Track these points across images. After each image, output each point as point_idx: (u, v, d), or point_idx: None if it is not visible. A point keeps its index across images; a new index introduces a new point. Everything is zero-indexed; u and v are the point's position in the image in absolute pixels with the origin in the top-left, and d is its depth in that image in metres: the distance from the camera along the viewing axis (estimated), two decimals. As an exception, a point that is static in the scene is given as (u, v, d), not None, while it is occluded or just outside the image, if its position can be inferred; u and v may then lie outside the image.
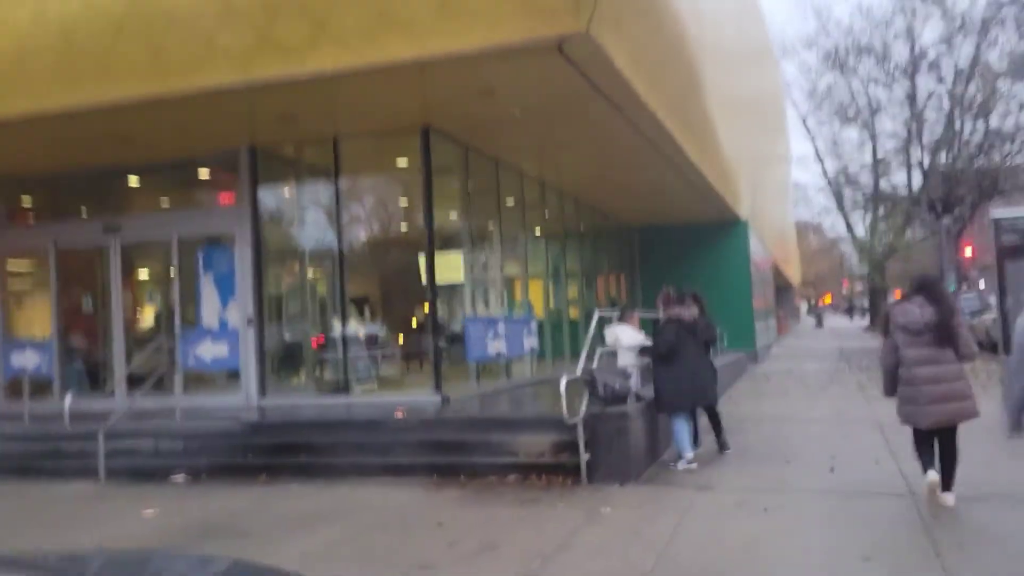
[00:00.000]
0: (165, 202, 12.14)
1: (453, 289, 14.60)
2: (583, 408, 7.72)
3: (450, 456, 8.16)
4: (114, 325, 11.74)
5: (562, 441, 7.96)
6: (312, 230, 12.02)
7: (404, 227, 14.28)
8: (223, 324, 11.27)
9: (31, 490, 8.31)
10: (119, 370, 11.58)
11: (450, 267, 13.24)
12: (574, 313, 17.47)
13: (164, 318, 12.66)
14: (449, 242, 14.17)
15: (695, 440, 8.54)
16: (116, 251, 11.68)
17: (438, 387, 10.48)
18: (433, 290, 10.72)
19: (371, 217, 14.03)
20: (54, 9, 8.59)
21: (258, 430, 9.21)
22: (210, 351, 11.18)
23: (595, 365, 8.41)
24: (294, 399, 11.12)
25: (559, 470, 7.74)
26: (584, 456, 7.57)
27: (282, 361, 12.01)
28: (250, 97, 8.90)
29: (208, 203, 12.09)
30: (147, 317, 13.33)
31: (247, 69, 8.11)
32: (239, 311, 11.14)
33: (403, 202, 13.71)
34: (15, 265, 12.66)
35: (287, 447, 8.66)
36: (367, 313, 14.07)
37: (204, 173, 12.06)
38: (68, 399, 8.66)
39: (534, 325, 13.92)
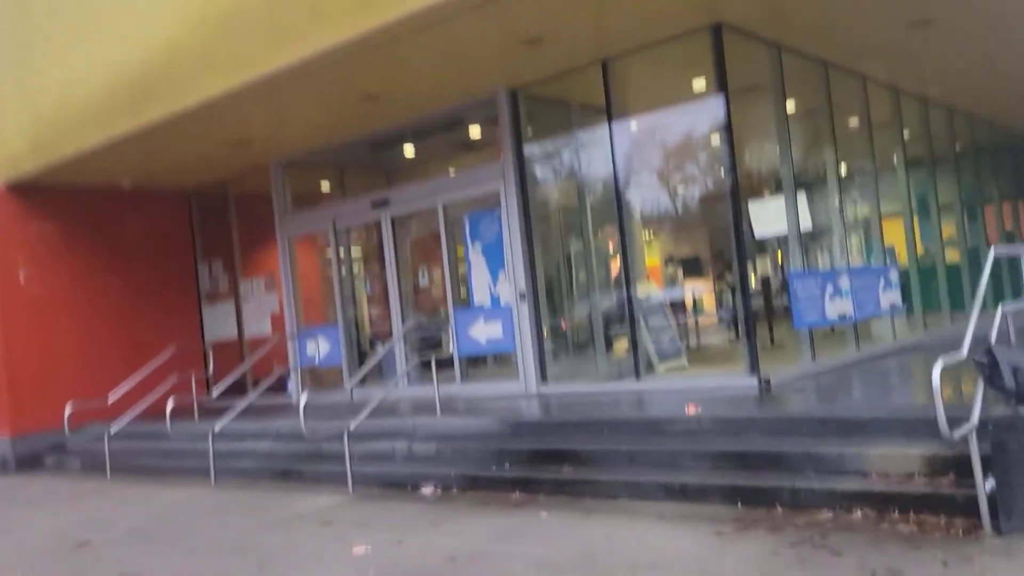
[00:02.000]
0: (427, 169, 10.84)
1: (780, 241, 11.75)
2: (977, 407, 4.71)
3: (760, 475, 5.61)
4: (392, 305, 10.77)
5: (942, 457, 5.04)
6: (589, 183, 9.96)
7: (704, 169, 11.64)
8: (494, 300, 9.69)
9: (274, 502, 7.35)
10: (400, 357, 10.58)
11: (770, 213, 10.42)
12: (953, 256, 13.40)
13: (437, 296, 11.52)
14: (766, 182, 11.36)
15: None
16: (387, 226, 10.67)
17: (754, 367, 7.85)
18: (740, 244, 8.05)
19: (658, 161, 11.59)
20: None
21: (518, 431, 7.39)
22: (483, 331, 9.68)
23: (994, 334, 5.25)
24: (578, 385, 9.20)
25: (940, 505, 4.84)
26: (984, 485, 4.59)
27: (566, 339, 10.16)
28: (497, 16, 7.12)
29: (469, 163, 10.56)
30: (423, 295, 12.32)
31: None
32: (510, 284, 9.47)
33: (699, 137, 11.06)
34: (303, 250, 12.31)
35: (548, 456, 6.72)
36: (669, 276, 11.75)
37: (460, 128, 10.58)
38: (302, 397, 7.54)
39: (894, 275, 10.54)
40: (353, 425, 7.52)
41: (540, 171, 9.87)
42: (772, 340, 11.99)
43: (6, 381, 11.08)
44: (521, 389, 9.38)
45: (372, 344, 12.36)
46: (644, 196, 10.91)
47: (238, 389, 10.50)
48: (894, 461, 5.27)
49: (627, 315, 9.12)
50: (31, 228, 11.54)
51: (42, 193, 11.57)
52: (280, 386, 11.36)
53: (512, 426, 7.45)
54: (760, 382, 7.72)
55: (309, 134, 10.69)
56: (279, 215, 11.87)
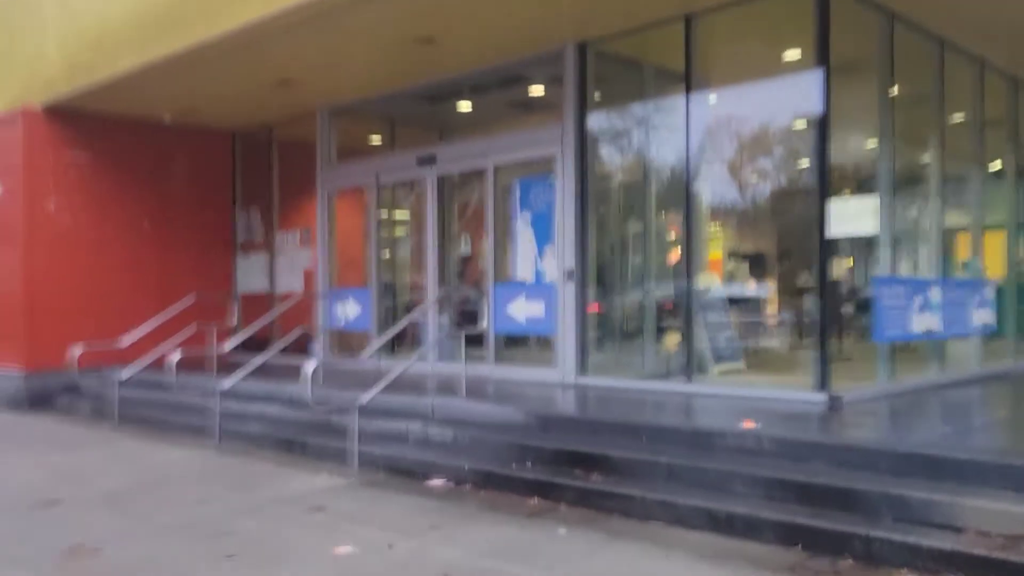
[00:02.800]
0: (480, 128, 9.93)
1: (865, 243, 10.65)
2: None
3: (826, 514, 4.64)
4: (428, 272, 9.96)
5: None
6: (656, 158, 8.98)
7: (787, 155, 10.53)
8: (539, 276, 8.80)
9: (269, 477, 6.63)
10: (432, 328, 9.80)
11: (850, 212, 9.37)
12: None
13: (478, 266, 10.69)
14: (856, 176, 10.29)
15: None
16: (432, 186, 9.85)
17: (823, 381, 6.84)
18: (824, 243, 6.98)
19: (736, 141, 10.49)
20: None
21: (546, 426, 6.51)
22: (523, 310, 8.82)
23: None
24: (621, 380, 8.29)
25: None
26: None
27: (612, 327, 9.23)
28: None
29: (526, 122, 9.64)
30: (464, 264, 11.50)
31: None
32: (557, 261, 8.57)
33: (786, 118, 9.92)
34: (343, 203, 11.56)
35: (576, 459, 5.83)
36: (734, 270, 10.72)
37: (520, 86, 9.67)
38: (311, 363, 6.74)
39: (990, 292, 9.36)
40: (365, 399, 6.76)
41: (603, 139, 8.92)
42: (840, 351, 10.92)
43: (25, 314, 10.64)
44: (558, 377, 8.50)
45: (407, 311, 11.61)
46: (716, 179, 9.85)
47: (261, 347, 9.85)
48: (998, 518, 4.26)
49: (685, 308, 8.16)
50: (65, 155, 11.03)
51: (81, 119, 11.04)
52: (305, 347, 10.71)
53: (540, 419, 6.58)
54: (829, 399, 6.70)
55: (359, 78, 9.89)
56: (322, 165, 11.14)
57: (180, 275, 11.84)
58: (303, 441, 7.48)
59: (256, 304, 11.97)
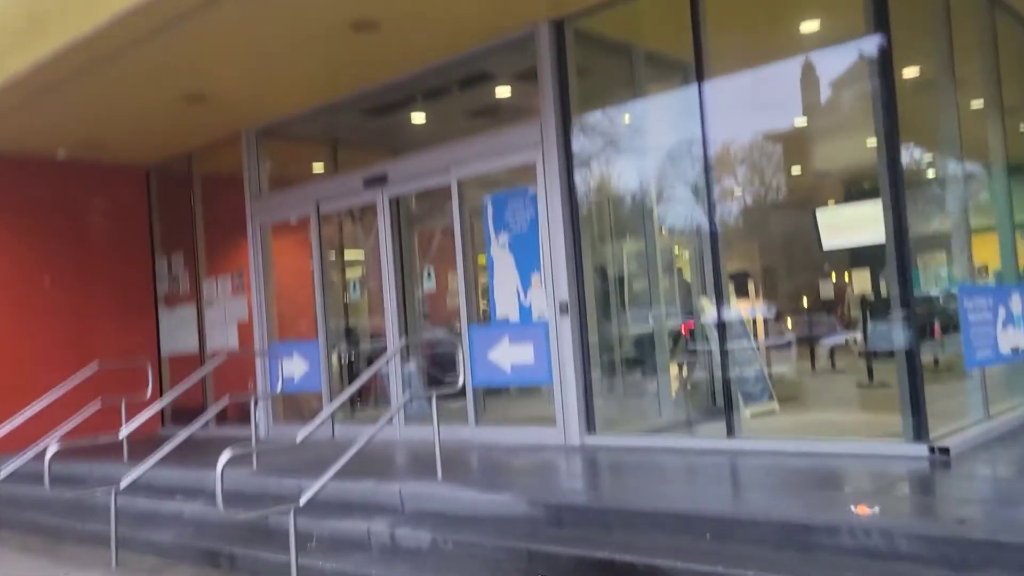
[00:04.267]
0: (437, 134, 8.20)
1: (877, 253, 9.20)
2: None
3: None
4: (387, 316, 8.15)
5: None
6: (661, 164, 7.41)
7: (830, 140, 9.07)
8: (524, 312, 7.06)
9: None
10: (395, 386, 7.98)
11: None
12: None
13: (447, 305, 8.96)
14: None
15: None
16: (384, 209, 8.09)
17: (919, 430, 5.15)
18: (902, 241, 5.33)
19: (761, 130, 8.94)
20: None
21: (559, 519, 4.71)
22: (508, 355, 7.06)
23: None
24: (641, 438, 6.57)
25: None
26: None
27: (613, 369, 7.52)
28: None
29: (494, 126, 7.93)
30: (430, 303, 9.74)
31: None
32: (547, 292, 6.85)
33: (824, 96, 8.37)
34: (282, 242, 9.73)
35: (609, 571, 4.05)
36: (754, 291, 9.16)
37: (484, 85, 8.03)
38: (224, 456, 4.78)
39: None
40: (306, 498, 4.90)
41: (591, 141, 7.26)
42: (871, 376, 9.36)
43: None
44: (558, 438, 6.73)
45: (368, 363, 9.79)
46: (736, 183, 8.31)
47: (191, 419, 7.92)
48: None
49: (715, 339, 6.50)
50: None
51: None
52: (246, 415, 8.80)
53: (551, 510, 4.78)
54: (932, 452, 5.02)
55: (288, 88, 8.15)
56: (251, 196, 9.33)
57: (93, 339, 9.92)
58: (230, 552, 5.59)
59: (185, 366, 9.98)
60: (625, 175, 7.48)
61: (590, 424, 6.69)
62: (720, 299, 6.14)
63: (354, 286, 9.69)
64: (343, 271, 10.18)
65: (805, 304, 12.30)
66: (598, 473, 5.83)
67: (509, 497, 4.95)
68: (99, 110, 8.30)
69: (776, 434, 6.22)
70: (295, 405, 9.61)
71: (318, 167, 9.90)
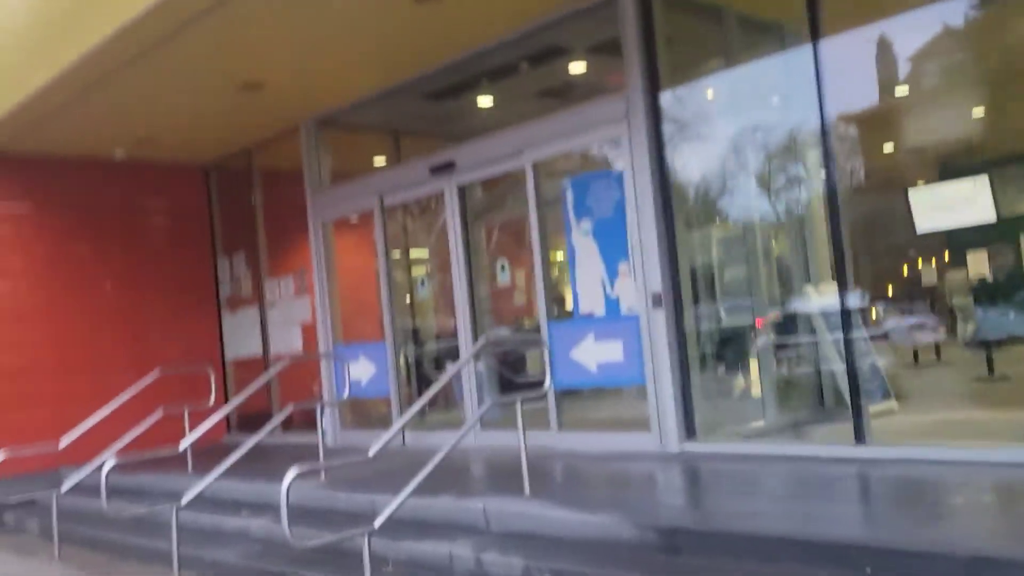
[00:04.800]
0: (504, 119, 7.56)
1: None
2: None
3: None
4: (458, 316, 7.58)
5: None
6: (768, 138, 6.69)
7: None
8: (611, 306, 6.40)
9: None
10: (468, 391, 7.39)
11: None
12: None
13: (522, 300, 8.35)
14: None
15: None
16: (453, 200, 7.51)
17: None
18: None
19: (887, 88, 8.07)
20: None
21: (672, 545, 4.03)
22: (593, 353, 6.41)
23: None
24: (747, 445, 5.85)
25: None
26: None
27: (711, 367, 6.81)
28: None
29: (574, 103, 7.24)
30: (503, 298, 9.13)
31: None
32: (637, 282, 6.18)
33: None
34: (345, 240, 9.25)
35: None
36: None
37: (559, 60, 7.40)
38: (287, 482, 4.20)
39: None
40: (381, 521, 4.35)
41: (681, 113, 6.55)
42: (991, 369, 8.48)
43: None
44: (654, 445, 6.05)
45: (438, 365, 9.25)
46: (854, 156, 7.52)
47: (257, 425, 7.48)
48: None
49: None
50: (-6, 208, 8.87)
51: (7, 163, 8.89)
52: (314, 420, 8.34)
53: (662, 534, 4.11)
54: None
55: (346, 74, 7.65)
56: (311, 190, 8.87)
57: (155, 344, 9.60)
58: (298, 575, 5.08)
59: (250, 371, 9.62)
60: (717, 151, 6.75)
61: (689, 429, 6.00)
62: (843, 281, 5.36)
63: (422, 282, 9.14)
64: (408, 269, 9.65)
65: (897, 291, 11.41)
66: (711, 487, 5.13)
67: (612, 518, 4.30)
68: (151, 105, 7.92)
69: (909, 438, 5.43)
70: (362, 410, 9.14)
71: (379, 160, 9.38)
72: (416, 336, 9.10)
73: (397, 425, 4.74)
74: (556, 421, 6.68)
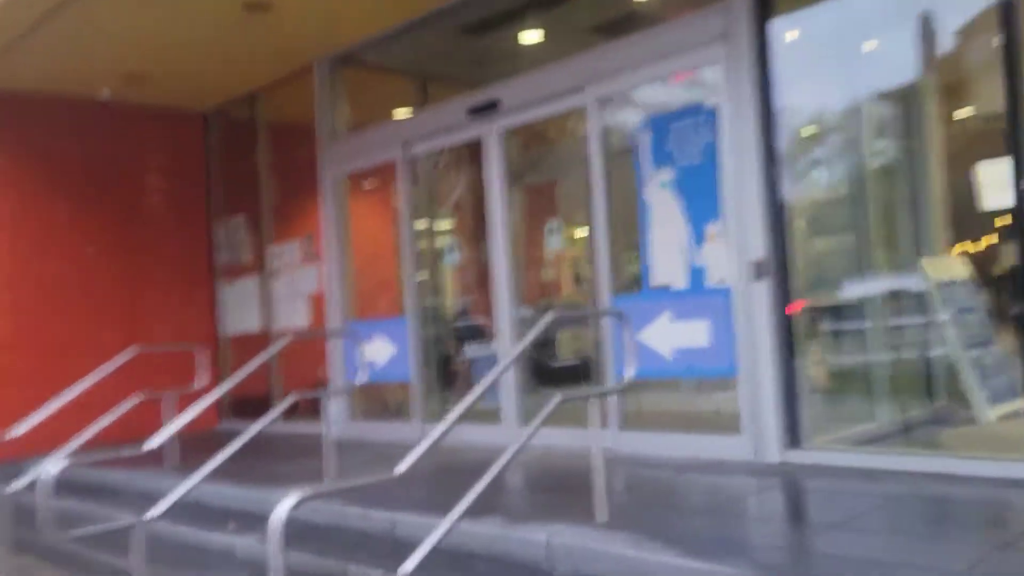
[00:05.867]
0: (565, 44, 6.22)
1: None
2: None
3: None
4: (497, 289, 6.31)
5: None
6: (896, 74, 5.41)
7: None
8: (696, 276, 5.11)
9: None
10: (508, 372, 6.14)
11: None
12: None
13: (581, 268, 7.09)
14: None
15: None
16: (497, 148, 6.22)
17: None
18: None
19: None
20: None
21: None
22: (669, 336, 5.14)
23: None
24: (868, 457, 4.57)
25: None
26: None
27: (821, 357, 5.54)
28: None
29: (652, 28, 5.90)
30: (556, 265, 7.88)
31: None
32: (731, 249, 4.89)
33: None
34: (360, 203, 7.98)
35: None
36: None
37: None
38: (279, 517, 2.95)
39: None
40: (413, 564, 3.10)
41: (793, 47, 5.22)
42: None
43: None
44: (744, 452, 4.79)
45: (458, 347, 8.02)
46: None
47: (260, 412, 6.25)
48: None
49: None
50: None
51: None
52: (315, 408, 7.11)
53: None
54: None
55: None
56: (324, 139, 7.59)
57: (143, 318, 8.44)
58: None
59: (250, 348, 8.38)
60: (833, 88, 5.44)
61: (792, 435, 4.73)
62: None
63: (450, 248, 7.85)
64: (431, 235, 8.38)
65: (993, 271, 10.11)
66: (847, 518, 3.82)
67: (736, 570, 3.03)
68: (140, 31, 6.65)
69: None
70: (375, 395, 7.90)
71: (402, 113, 8.09)
72: (436, 313, 7.84)
73: (436, 433, 3.47)
74: (619, 418, 5.42)
